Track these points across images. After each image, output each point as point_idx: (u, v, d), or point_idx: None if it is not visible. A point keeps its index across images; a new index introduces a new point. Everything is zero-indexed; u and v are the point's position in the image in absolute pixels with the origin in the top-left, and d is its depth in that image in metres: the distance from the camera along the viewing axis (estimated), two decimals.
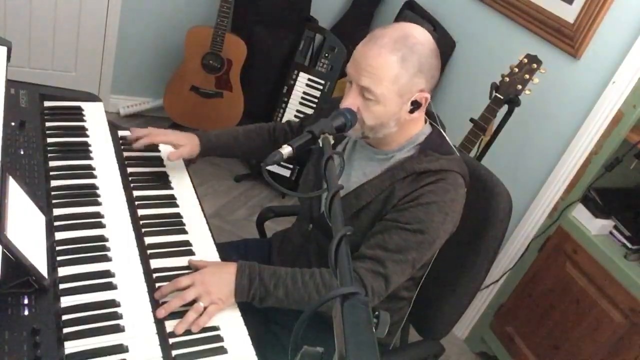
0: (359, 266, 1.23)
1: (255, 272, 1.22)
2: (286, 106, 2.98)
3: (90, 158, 1.42)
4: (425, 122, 1.36)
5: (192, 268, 1.25)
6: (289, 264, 1.47)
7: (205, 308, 1.14)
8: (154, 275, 1.20)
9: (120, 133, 1.59)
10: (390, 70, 1.19)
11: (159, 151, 1.59)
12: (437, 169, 1.26)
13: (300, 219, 1.53)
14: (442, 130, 1.36)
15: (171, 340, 1.08)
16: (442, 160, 1.28)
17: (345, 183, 1.36)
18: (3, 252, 0.96)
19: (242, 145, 1.60)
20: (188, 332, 1.11)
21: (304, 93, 2.97)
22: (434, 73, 1.25)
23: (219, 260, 1.31)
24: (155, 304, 1.13)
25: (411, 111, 1.26)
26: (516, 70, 1.93)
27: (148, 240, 1.29)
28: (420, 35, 1.23)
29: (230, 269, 1.22)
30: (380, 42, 1.20)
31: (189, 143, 1.51)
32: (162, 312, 1.10)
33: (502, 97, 1.95)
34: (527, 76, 1.92)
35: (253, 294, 1.21)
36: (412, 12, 2.86)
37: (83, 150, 1.44)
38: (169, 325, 1.11)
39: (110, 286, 1.12)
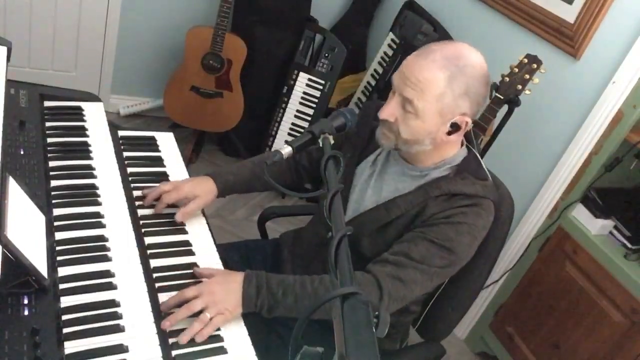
0: (378, 270, 1.22)
1: (262, 280, 1.20)
2: (286, 106, 2.99)
3: (90, 158, 1.42)
4: (462, 145, 1.35)
5: (197, 277, 1.23)
6: (302, 266, 1.47)
7: (211, 318, 1.11)
8: (154, 275, 1.20)
9: (121, 133, 1.59)
10: (436, 87, 1.17)
11: (160, 151, 1.59)
12: (472, 193, 1.26)
13: (316, 224, 1.51)
14: (478, 156, 1.35)
15: (171, 340, 1.08)
16: (477, 185, 1.27)
17: (377, 196, 1.35)
18: (3, 252, 0.96)
19: (260, 177, 1.52)
20: (186, 329, 1.11)
21: (304, 93, 2.97)
22: (480, 100, 1.23)
23: (221, 266, 1.30)
24: (156, 305, 1.13)
25: (449, 133, 1.24)
26: (516, 70, 1.93)
27: (148, 240, 1.29)
28: (474, 58, 1.21)
29: (237, 278, 1.19)
30: (431, 57, 1.18)
31: (203, 192, 1.41)
32: (167, 324, 1.08)
33: (502, 97, 1.94)
34: (527, 76, 1.92)
35: (261, 304, 1.18)
36: (412, 12, 2.86)
37: (83, 150, 1.44)
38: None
39: (110, 286, 1.12)
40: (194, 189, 1.40)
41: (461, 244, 1.24)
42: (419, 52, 1.22)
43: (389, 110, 1.23)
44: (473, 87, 1.20)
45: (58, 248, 1.15)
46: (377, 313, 0.73)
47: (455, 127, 1.23)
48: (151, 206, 1.38)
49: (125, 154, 1.52)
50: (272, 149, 3.05)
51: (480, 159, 1.36)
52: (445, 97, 1.18)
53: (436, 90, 1.18)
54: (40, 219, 1.15)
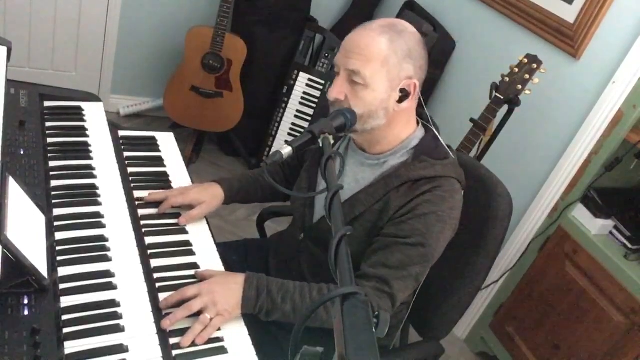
0: (364, 285, 1.22)
1: (263, 284, 1.20)
2: (286, 106, 2.99)
3: (90, 158, 1.42)
4: (418, 125, 1.34)
5: (198, 279, 1.23)
6: (283, 270, 1.47)
7: (211, 319, 1.11)
8: (154, 275, 1.20)
9: (121, 133, 1.59)
10: (379, 51, 1.19)
11: (160, 151, 1.59)
12: (432, 175, 1.24)
13: (293, 227, 1.51)
14: (436, 133, 1.33)
15: (171, 340, 1.08)
16: (437, 166, 1.26)
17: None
18: (3, 252, 0.96)
19: (264, 187, 1.56)
20: (187, 332, 1.10)
21: (304, 93, 2.97)
22: (422, 64, 1.24)
23: (222, 267, 1.30)
24: (156, 305, 1.13)
25: (399, 100, 1.23)
26: (516, 70, 1.93)
27: (148, 240, 1.29)
28: (407, 25, 1.25)
29: (237, 279, 1.20)
30: (368, 27, 1.22)
31: (209, 198, 1.42)
32: (167, 323, 1.08)
33: (502, 97, 1.94)
34: (527, 76, 1.92)
35: (260, 306, 1.18)
36: (412, 12, 2.86)
37: (83, 150, 1.44)
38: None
39: (110, 286, 1.12)
40: (200, 195, 1.41)
41: (433, 235, 1.22)
42: (354, 30, 1.24)
43: (337, 89, 1.22)
44: (414, 50, 1.22)
45: (58, 248, 1.15)
46: (377, 313, 0.73)
47: (404, 93, 1.23)
48: (151, 206, 1.38)
49: (125, 154, 1.52)
50: (272, 149, 3.05)
51: (438, 135, 1.33)
52: (390, 60, 1.19)
53: (380, 54, 1.19)
54: (40, 219, 1.15)
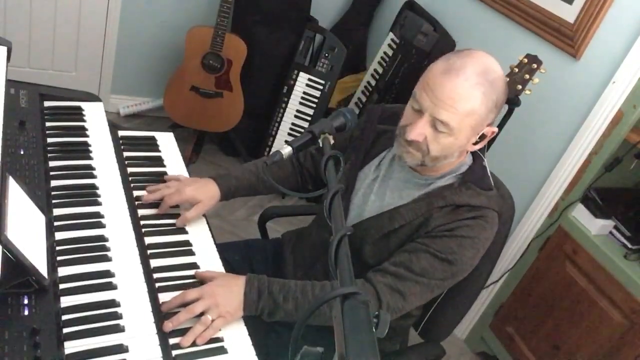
0: (378, 280, 1.23)
1: (264, 285, 1.20)
2: (286, 106, 2.99)
3: (90, 158, 1.42)
4: (467, 153, 1.34)
5: (198, 280, 1.23)
6: (303, 267, 1.47)
7: (212, 321, 1.12)
8: (154, 275, 1.20)
9: (121, 133, 1.59)
10: (472, 107, 1.16)
11: (160, 151, 1.59)
12: (477, 205, 1.25)
13: (320, 226, 1.50)
14: (485, 163, 1.35)
15: (171, 341, 1.08)
16: (482, 196, 1.27)
17: (380, 202, 1.35)
18: (3, 252, 0.96)
19: (265, 181, 1.51)
20: (188, 332, 1.10)
21: (304, 93, 2.97)
22: (501, 108, 1.24)
23: (222, 267, 1.30)
24: (156, 305, 1.13)
25: (475, 143, 1.25)
26: (516, 70, 1.93)
27: (148, 240, 1.29)
28: (497, 68, 1.21)
29: (238, 281, 1.20)
30: (462, 75, 1.15)
31: (206, 197, 1.40)
32: (169, 326, 1.08)
33: None
34: (527, 76, 1.91)
35: (262, 308, 1.18)
36: (412, 12, 2.86)
37: (83, 150, 1.44)
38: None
39: (110, 286, 1.12)
40: (196, 192, 1.39)
41: (463, 257, 1.24)
42: (446, 68, 1.17)
43: (419, 131, 1.19)
44: (500, 98, 1.21)
45: (58, 248, 1.15)
46: (377, 313, 0.73)
47: (482, 137, 1.24)
48: (151, 206, 1.38)
49: (125, 154, 1.52)
50: (272, 149, 3.05)
51: (486, 167, 1.35)
52: (479, 112, 1.18)
53: (472, 110, 1.17)
54: (40, 219, 1.15)
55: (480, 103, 1.16)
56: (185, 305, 1.13)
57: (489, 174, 1.34)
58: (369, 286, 1.23)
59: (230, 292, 1.17)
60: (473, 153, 1.35)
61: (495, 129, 1.25)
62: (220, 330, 1.13)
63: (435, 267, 1.23)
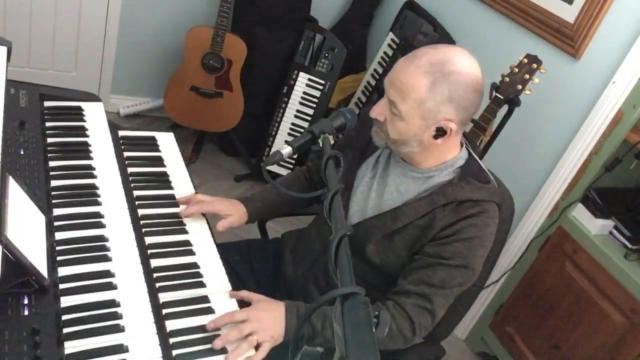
0: (405, 302, 1.25)
1: (302, 313, 1.22)
2: (286, 106, 2.98)
3: (90, 158, 1.42)
4: (462, 146, 1.34)
5: (233, 298, 1.24)
6: (304, 267, 1.48)
7: (259, 343, 1.13)
8: (154, 275, 1.20)
9: (121, 133, 1.59)
10: (417, 92, 1.18)
11: (160, 151, 1.59)
12: (478, 199, 1.26)
13: (321, 226, 1.51)
14: (477, 158, 1.35)
15: (171, 340, 1.08)
16: (483, 190, 1.28)
17: (379, 199, 1.36)
18: (3, 252, 0.96)
19: (286, 200, 1.58)
20: (188, 331, 1.11)
21: (304, 93, 2.97)
22: (468, 106, 1.21)
23: (221, 267, 1.30)
24: (156, 305, 1.13)
25: (435, 137, 1.24)
26: (516, 70, 1.93)
27: (148, 240, 1.29)
28: (462, 64, 1.19)
29: (279, 307, 1.22)
30: (417, 62, 1.18)
31: (236, 212, 1.47)
32: (219, 344, 1.09)
33: (502, 97, 1.94)
34: (527, 76, 1.92)
35: (301, 334, 1.20)
36: (412, 12, 2.86)
37: (83, 150, 1.44)
38: (169, 325, 1.11)
39: (110, 286, 1.12)
40: (228, 208, 1.46)
41: (475, 258, 1.26)
42: (408, 55, 1.22)
43: (378, 110, 1.26)
44: (457, 93, 1.18)
45: (58, 248, 1.15)
46: (377, 313, 0.73)
47: (441, 132, 1.23)
48: (151, 206, 1.38)
49: (126, 154, 1.52)
50: (272, 149, 3.05)
51: (479, 161, 1.35)
52: (427, 102, 1.18)
53: (417, 95, 1.18)
54: (40, 219, 1.15)
55: (427, 90, 1.17)
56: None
57: (485, 168, 1.35)
58: (400, 309, 1.25)
59: (273, 317, 1.19)
60: (467, 149, 1.36)
61: (454, 126, 1.21)
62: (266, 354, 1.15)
63: (452, 275, 1.24)
